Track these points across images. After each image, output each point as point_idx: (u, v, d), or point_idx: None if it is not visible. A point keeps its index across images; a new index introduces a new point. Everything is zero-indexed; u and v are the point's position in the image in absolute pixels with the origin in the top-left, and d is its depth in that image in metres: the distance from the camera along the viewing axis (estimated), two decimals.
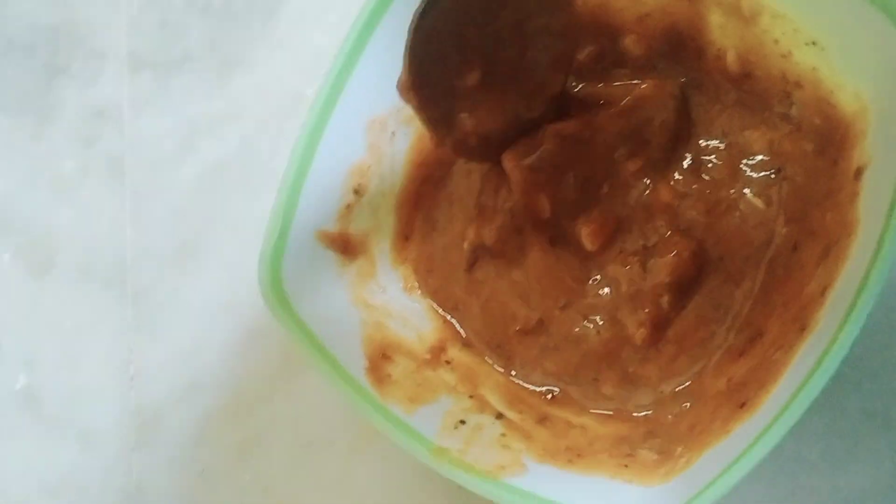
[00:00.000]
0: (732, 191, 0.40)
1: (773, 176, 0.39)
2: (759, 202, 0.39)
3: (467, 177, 0.43)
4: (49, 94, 0.53)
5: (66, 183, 0.52)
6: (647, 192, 0.41)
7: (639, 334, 0.39)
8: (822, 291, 0.33)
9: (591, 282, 0.41)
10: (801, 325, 0.34)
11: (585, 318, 0.41)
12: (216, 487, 0.46)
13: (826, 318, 0.33)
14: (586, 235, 0.40)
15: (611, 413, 0.39)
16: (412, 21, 0.36)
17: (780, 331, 0.35)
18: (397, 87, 0.37)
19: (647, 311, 0.39)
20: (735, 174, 0.40)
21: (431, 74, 0.38)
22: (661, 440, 0.37)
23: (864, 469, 0.40)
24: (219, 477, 0.46)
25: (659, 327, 0.39)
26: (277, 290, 0.37)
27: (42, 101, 0.53)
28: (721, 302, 0.39)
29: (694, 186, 0.41)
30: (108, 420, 0.48)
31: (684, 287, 0.39)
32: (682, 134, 0.41)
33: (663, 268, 0.39)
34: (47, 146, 0.52)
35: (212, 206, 0.50)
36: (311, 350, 0.37)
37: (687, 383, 0.39)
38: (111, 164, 0.52)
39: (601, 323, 0.40)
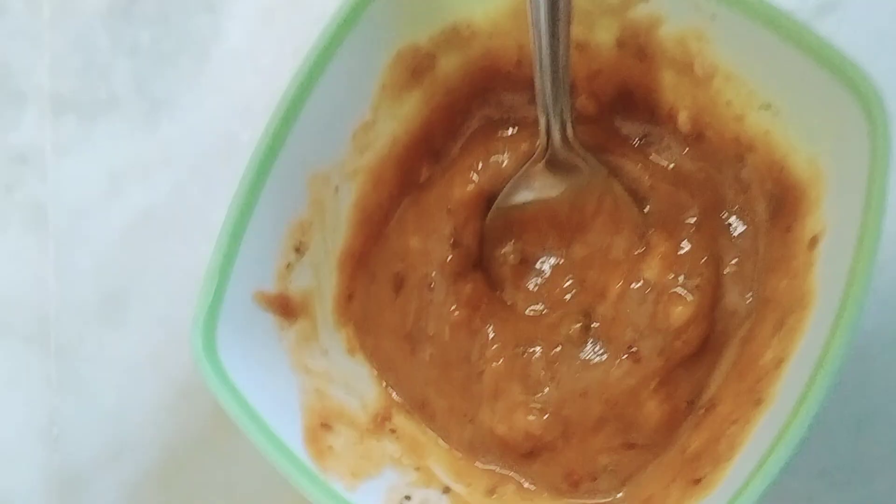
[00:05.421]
0: None
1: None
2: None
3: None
4: None
5: None
6: None
7: None
8: (778, 364, 0.33)
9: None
10: (756, 399, 0.33)
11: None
12: None
13: (783, 393, 0.32)
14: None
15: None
16: None
17: (735, 403, 0.34)
18: None
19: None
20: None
21: None
22: None
23: None
24: None
25: None
26: (211, 356, 0.35)
27: None
28: None
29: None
30: (28, 484, 0.46)
31: None
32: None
33: None
34: None
35: (140, 257, 0.48)
36: (244, 419, 0.35)
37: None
38: (33, 211, 0.50)
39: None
